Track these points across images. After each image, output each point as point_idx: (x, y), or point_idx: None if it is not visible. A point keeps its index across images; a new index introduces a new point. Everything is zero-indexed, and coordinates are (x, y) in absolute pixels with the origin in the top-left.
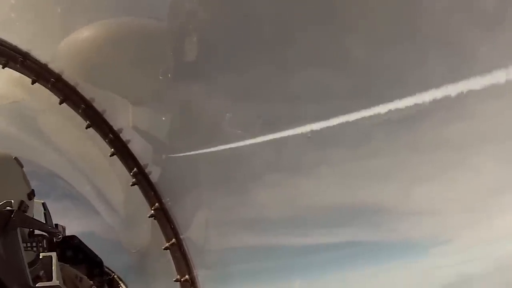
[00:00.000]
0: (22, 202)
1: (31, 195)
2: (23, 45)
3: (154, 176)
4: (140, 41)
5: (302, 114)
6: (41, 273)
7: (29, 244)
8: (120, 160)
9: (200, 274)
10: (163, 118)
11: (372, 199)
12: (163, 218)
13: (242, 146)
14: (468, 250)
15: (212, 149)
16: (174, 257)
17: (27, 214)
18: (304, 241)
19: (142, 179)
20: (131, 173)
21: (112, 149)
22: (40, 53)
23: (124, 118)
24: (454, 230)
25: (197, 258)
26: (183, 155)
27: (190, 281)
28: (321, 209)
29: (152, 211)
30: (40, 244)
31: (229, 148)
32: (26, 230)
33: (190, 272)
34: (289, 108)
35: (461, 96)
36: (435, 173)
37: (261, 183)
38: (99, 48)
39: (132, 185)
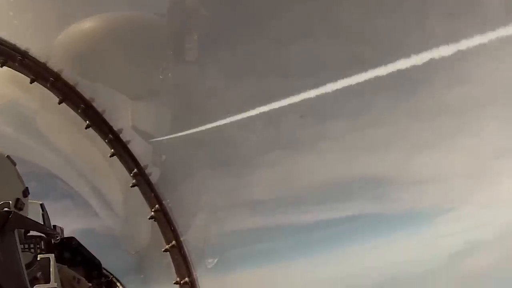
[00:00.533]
0: (18, 200)
1: (26, 192)
2: (22, 44)
3: (154, 177)
4: (136, 29)
5: (298, 88)
6: (39, 274)
7: (26, 246)
8: (120, 160)
9: (201, 266)
10: (162, 113)
11: (373, 170)
12: (163, 219)
13: (238, 127)
14: (472, 216)
15: (208, 127)
16: (174, 260)
17: (23, 211)
18: (305, 219)
19: (142, 180)
20: (131, 174)
21: (112, 150)
22: (39, 52)
23: (124, 118)
24: (457, 197)
25: (197, 256)
26: (179, 144)
27: (189, 283)
28: (321, 185)
29: (152, 213)
30: (38, 246)
31: (226, 131)
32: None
33: (190, 275)
34: (285, 82)
35: (459, 59)
36: (436, 140)
37: (260, 163)
38: (97, 42)
39: (132, 186)
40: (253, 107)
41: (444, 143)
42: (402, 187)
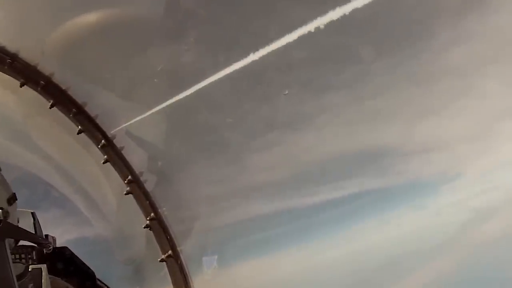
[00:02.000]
0: (1, 209)
1: (11, 200)
2: (11, 46)
3: (149, 185)
4: (132, 29)
5: (292, 60)
6: (30, 286)
7: (17, 256)
8: (114, 167)
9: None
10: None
11: (374, 143)
12: (159, 228)
13: (231, 109)
14: (478, 182)
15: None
16: (170, 270)
17: (9, 220)
18: (306, 202)
19: (136, 187)
20: (125, 181)
21: (105, 156)
22: (30, 54)
23: (118, 123)
24: (463, 162)
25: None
26: (173, 142)
27: None
28: (321, 164)
29: (148, 221)
30: (29, 256)
31: (219, 116)
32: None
33: (187, 285)
34: (277, 56)
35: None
36: (438, 105)
37: (259, 145)
38: (91, 44)
39: (126, 194)
40: (243, 88)
41: (446, 107)
42: (406, 158)
